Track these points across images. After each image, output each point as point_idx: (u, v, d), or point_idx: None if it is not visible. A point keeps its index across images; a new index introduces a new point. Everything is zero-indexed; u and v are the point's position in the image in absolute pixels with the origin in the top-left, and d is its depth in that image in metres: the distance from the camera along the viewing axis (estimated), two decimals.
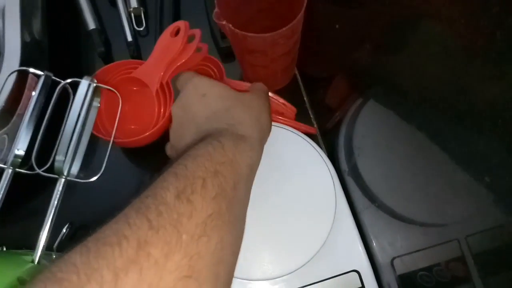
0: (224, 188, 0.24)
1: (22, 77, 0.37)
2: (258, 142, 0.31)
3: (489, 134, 0.24)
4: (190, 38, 0.41)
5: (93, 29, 0.48)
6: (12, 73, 0.34)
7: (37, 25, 0.42)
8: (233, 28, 0.36)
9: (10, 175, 0.30)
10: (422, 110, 0.33)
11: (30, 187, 0.42)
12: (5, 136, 0.36)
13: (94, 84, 0.33)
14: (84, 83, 0.32)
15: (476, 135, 0.26)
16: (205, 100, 0.34)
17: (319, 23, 0.40)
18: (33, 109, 0.32)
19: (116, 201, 0.42)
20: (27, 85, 0.38)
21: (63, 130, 0.31)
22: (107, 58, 0.49)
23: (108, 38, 0.50)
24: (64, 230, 0.36)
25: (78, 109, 0.31)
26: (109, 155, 0.34)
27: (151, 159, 0.45)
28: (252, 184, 0.30)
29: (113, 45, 0.50)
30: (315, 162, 0.39)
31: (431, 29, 0.27)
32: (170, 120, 0.41)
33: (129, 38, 0.49)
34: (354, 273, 0.37)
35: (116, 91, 0.35)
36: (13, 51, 0.38)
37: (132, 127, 0.44)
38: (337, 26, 0.37)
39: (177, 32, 0.41)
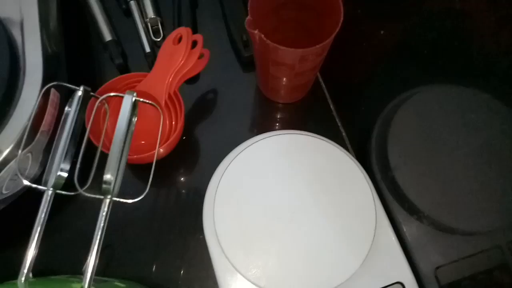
0: None
1: (44, 93, 0.35)
2: None
3: None
4: (193, 45, 0.40)
5: (109, 40, 0.47)
6: (47, 88, 0.32)
7: (55, 37, 0.41)
8: (264, 38, 0.34)
9: (51, 197, 0.28)
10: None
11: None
12: (29, 154, 0.35)
13: (134, 99, 0.31)
14: (127, 98, 0.31)
15: None
16: None
17: (350, 39, 0.39)
18: (72, 126, 0.30)
19: (135, 218, 0.41)
20: (50, 101, 0.36)
21: (111, 147, 0.29)
22: (125, 69, 0.48)
23: (124, 50, 0.48)
24: None
25: (124, 126, 0.29)
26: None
27: (164, 174, 0.44)
28: None
29: (129, 56, 0.48)
30: (351, 172, 0.38)
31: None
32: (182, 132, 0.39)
33: (147, 49, 0.47)
34: (398, 285, 0.36)
35: (157, 106, 0.33)
36: (35, 65, 0.36)
37: (142, 142, 0.42)
38: (382, 32, 0.36)
39: (179, 40, 0.39)
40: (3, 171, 0.32)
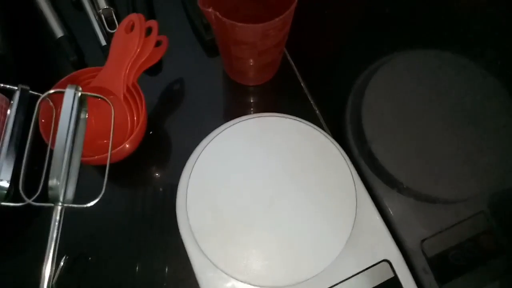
0: None
1: None
2: None
3: None
4: (148, 32, 0.37)
5: (61, 37, 0.44)
6: None
7: None
8: (220, 16, 0.32)
9: None
10: None
11: (15, 218, 0.38)
12: None
13: (80, 93, 0.28)
14: (69, 93, 0.28)
15: None
16: None
17: (312, 9, 0.37)
18: (12, 131, 0.27)
19: (109, 224, 0.39)
20: None
21: (53, 150, 0.27)
22: (81, 66, 0.44)
23: (79, 45, 0.45)
24: (61, 263, 0.32)
25: (67, 123, 0.27)
26: (81, 175, 0.30)
27: (135, 172, 0.41)
28: None
29: (86, 51, 0.46)
30: (327, 150, 0.37)
31: None
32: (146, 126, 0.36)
33: (103, 42, 0.44)
34: (385, 263, 0.35)
35: (107, 99, 0.31)
36: None
37: (105, 141, 0.39)
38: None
39: (132, 28, 0.37)
40: None
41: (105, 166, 0.32)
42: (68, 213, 0.28)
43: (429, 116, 0.36)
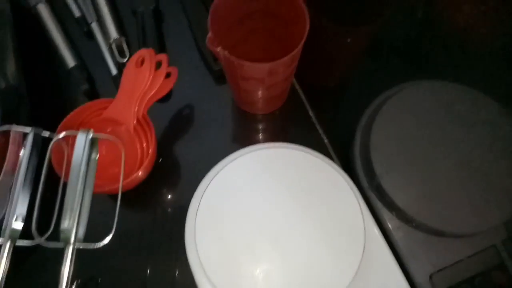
0: None
1: (3, 132, 0.33)
2: None
3: None
4: (158, 65, 0.38)
5: (73, 66, 0.45)
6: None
7: (11, 69, 0.39)
8: (228, 55, 0.32)
9: (9, 249, 0.26)
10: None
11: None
12: None
13: (91, 136, 0.29)
14: (81, 137, 0.29)
15: None
16: None
17: (321, 43, 0.38)
18: (26, 171, 0.28)
19: (120, 246, 0.39)
20: (11, 139, 0.34)
21: (66, 191, 0.27)
22: (93, 94, 0.45)
23: (90, 74, 0.46)
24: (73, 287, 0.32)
25: (78, 166, 0.27)
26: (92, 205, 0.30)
27: (144, 199, 0.42)
28: None
29: (96, 80, 0.46)
30: (336, 182, 0.37)
31: None
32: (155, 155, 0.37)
33: (114, 72, 0.45)
34: None
35: (118, 142, 0.31)
36: None
37: (116, 170, 0.39)
38: (348, 40, 0.34)
39: (142, 62, 0.38)
40: None
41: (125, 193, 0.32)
42: None
43: (438, 151, 0.36)
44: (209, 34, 0.32)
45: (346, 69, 0.45)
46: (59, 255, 0.27)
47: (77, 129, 0.36)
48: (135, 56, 0.37)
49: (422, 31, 0.44)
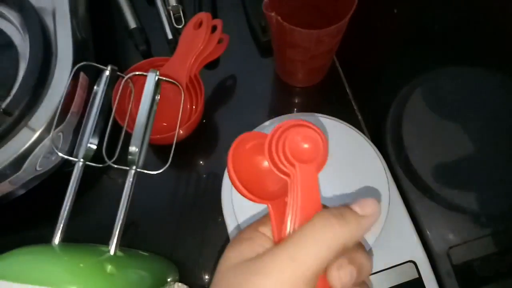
0: None
1: (74, 76, 0.38)
2: None
3: None
4: (213, 29, 0.41)
5: (134, 28, 0.49)
6: (77, 67, 0.34)
7: (84, 24, 0.43)
8: (281, 20, 0.35)
9: (81, 168, 0.30)
10: None
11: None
12: (61, 134, 0.37)
13: (157, 77, 0.33)
14: (151, 76, 0.33)
15: None
16: None
17: (364, 21, 0.40)
18: (100, 103, 0.32)
19: (156, 198, 0.44)
20: (79, 84, 0.39)
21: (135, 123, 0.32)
22: (149, 55, 0.50)
23: (147, 37, 0.51)
24: None
25: (148, 102, 0.32)
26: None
27: (186, 155, 0.45)
28: None
29: (152, 43, 0.51)
30: (366, 153, 0.39)
31: None
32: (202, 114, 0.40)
33: (170, 36, 0.49)
34: (410, 263, 0.36)
35: (179, 85, 0.35)
36: (66, 51, 0.39)
37: (164, 124, 0.43)
38: (395, 11, 0.36)
39: (200, 25, 0.41)
40: (37, 149, 0.35)
41: (161, 147, 0.36)
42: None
43: (468, 130, 0.38)
44: (265, 0, 0.35)
45: (386, 49, 0.47)
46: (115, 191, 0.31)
47: (135, 81, 0.41)
48: (194, 19, 0.41)
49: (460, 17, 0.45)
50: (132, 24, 0.49)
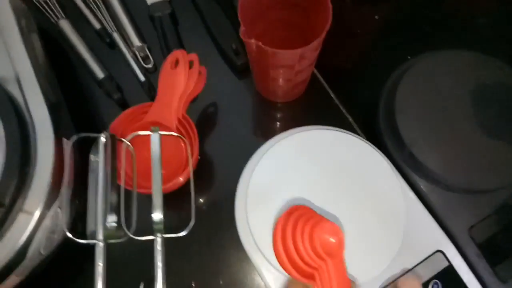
0: None
1: (57, 146, 0.35)
2: None
3: None
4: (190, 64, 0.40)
5: (103, 77, 0.46)
6: (75, 139, 0.32)
7: (53, 86, 0.41)
8: (262, 46, 0.35)
9: (104, 248, 0.28)
10: None
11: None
12: (58, 209, 0.35)
13: (160, 133, 0.31)
14: (155, 136, 0.31)
15: None
16: None
17: (339, 26, 0.40)
18: (108, 175, 0.30)
19: (172, 248, 0.42)
20: (64, 152, 0.36)
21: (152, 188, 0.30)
22: (124, 103, 0.47)
23: (118, 83, 0.48)
24: None
25: (158, 164, 0.30)
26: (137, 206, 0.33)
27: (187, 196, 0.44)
28: None
29: (125, 89, 0.48)
30: (368, 155, 0.39)
31: None
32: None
33: (142, 78, 0.47)
34: (439, 253, 0.37)
35: (183, 138, 0.35)
36: (43, 119, 0.36)
37: (163, 172, 0.41)
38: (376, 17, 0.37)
39: (176, 63, 0.40)
40: (39, 232, 0.32)
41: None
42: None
43: (459, 115, 0.39)
44: (242, 27, 0.35)
45: (362, 49, 0.47)
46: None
47: (121, 136, 0.38)
48: (169, 58, 0.39)
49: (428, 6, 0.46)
50: (100, 74, 0.47)
